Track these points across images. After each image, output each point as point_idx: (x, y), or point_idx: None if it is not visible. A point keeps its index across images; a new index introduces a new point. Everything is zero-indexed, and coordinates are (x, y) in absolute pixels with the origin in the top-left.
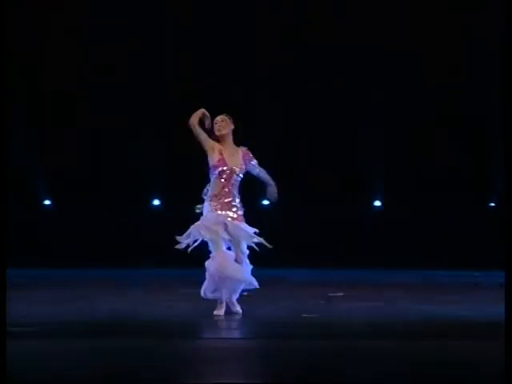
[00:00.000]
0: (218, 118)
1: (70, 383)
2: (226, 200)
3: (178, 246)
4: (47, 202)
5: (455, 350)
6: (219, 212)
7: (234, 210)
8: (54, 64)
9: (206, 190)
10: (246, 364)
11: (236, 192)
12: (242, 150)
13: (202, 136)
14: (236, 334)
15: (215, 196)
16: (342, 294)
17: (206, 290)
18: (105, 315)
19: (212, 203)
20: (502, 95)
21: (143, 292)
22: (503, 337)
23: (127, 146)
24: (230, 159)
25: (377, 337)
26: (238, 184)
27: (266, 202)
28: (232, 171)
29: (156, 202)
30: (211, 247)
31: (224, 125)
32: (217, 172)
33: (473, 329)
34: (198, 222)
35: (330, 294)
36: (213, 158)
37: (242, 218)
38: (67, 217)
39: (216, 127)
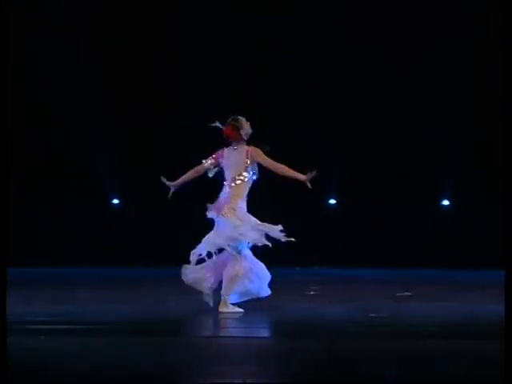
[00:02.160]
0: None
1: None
2: None
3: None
4: (115, 201)
5: None
6: None
7: None
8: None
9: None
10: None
11: None
12: None
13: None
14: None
15: (246, 196)
16: (410, 293)
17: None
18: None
19: (244, 204)
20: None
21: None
22: None
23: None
24: None
25: (445, 337)
26: None
27: (332, 202)
28: None
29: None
30: (239, 248)
31: None
32: (257, 178)
33: None
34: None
35: (398, 294)
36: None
37: None
38: (136, 216)
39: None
